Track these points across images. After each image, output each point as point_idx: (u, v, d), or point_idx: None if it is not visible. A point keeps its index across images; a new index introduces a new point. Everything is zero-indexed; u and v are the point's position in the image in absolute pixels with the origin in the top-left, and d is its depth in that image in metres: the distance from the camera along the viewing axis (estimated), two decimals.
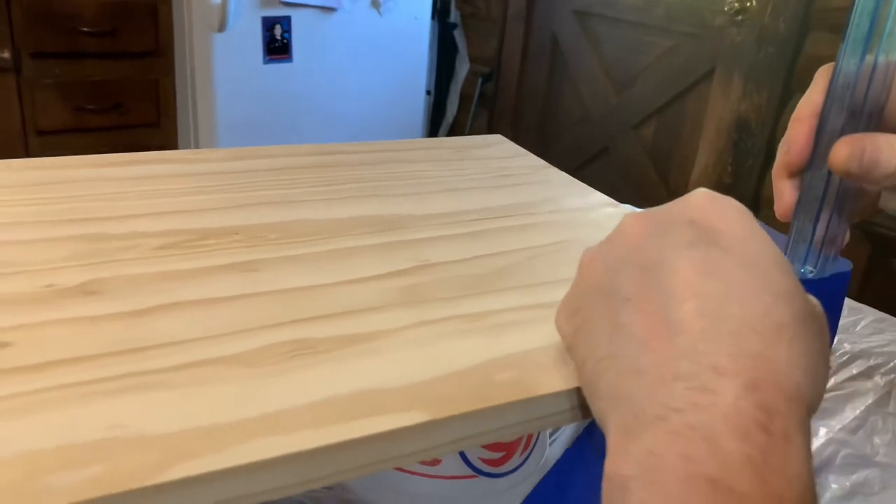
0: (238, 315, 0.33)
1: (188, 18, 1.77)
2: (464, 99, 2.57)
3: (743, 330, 0.23)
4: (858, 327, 0.75)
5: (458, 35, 2.52)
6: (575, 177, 0.58)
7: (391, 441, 0.27)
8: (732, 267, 0.25)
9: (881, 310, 0.79)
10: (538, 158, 0.62)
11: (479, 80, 2.49)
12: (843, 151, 0.31)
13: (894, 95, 0.32)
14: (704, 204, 0.27)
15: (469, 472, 0.45)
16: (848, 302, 0.80)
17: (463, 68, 2.54)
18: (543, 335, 0.33)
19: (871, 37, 0.30)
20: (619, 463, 0.23)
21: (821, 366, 0.25)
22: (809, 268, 0.34)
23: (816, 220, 0.33)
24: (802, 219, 0.34)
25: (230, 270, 0.37)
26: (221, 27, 1.74)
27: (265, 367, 0.30)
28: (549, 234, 0.47)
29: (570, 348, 0.30)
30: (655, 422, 0.22)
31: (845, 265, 0.34)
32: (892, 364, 0.68)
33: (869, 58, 0.31)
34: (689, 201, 0.28)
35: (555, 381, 0.30)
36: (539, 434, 0.49)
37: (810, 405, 0.23)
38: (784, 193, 0.34)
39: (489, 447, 0.45)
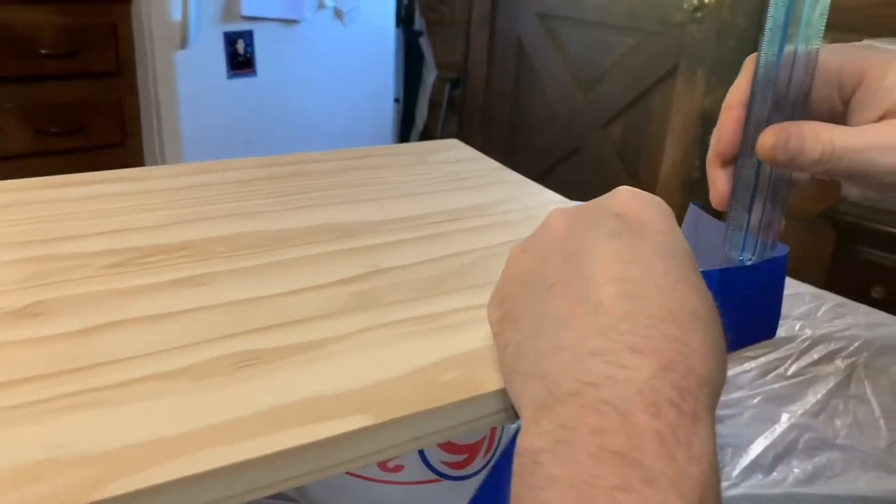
0: (184, 330, 0.33)
1: (149, 36, 1.76)
2: (433, 106, 2.57)
3: (662, 314, 0.24)
4: (820, 313, 0.76)
5: (424, 42, 2.52)
6: (547, 177, 0.59)
7: (336, 446, 0.27)
8: (653, 256, 0.26)
9: (848, 297, 0.80)
10: (494, 161, 0.62)
11: (448, 87, 2.49)
12: (769, 140, 0.31)
13: (819, 84, 0.33)
14: (629, 199, 0.29)
15: (432, 476, 0.45)
16: (810, 289, 0.81)
17: (430, 75, 2.55)
18: (490, 334, 0.33)
19: (789, 27, 0.31)
20: (531, 437, 0.23)
21: (724, 356, 0.26)
22: (748, 255, 0.35)
23: (751, 208, 0.34)
24: (737, 207, 0.34)
25: (177, 286, 0.37)
26: (183, 44, 1.73)
27: (210, 380, 0.30)
28: (503, 233, 0.47)
29: (496, 335, 0.30)
30: (570, 397, 0.23)
31: (783, 250, 0.35)
32: (852, 347, 0.69)
33: (788, 48, 0.31)
34: (614, 197, 0.29)
35: (500, 378, 0.31)
36: (502, 434, 0.49)
37: (718, 390, 0.24)
38: (718, 182, 0.35)
39: (451, 450, 0.45)
